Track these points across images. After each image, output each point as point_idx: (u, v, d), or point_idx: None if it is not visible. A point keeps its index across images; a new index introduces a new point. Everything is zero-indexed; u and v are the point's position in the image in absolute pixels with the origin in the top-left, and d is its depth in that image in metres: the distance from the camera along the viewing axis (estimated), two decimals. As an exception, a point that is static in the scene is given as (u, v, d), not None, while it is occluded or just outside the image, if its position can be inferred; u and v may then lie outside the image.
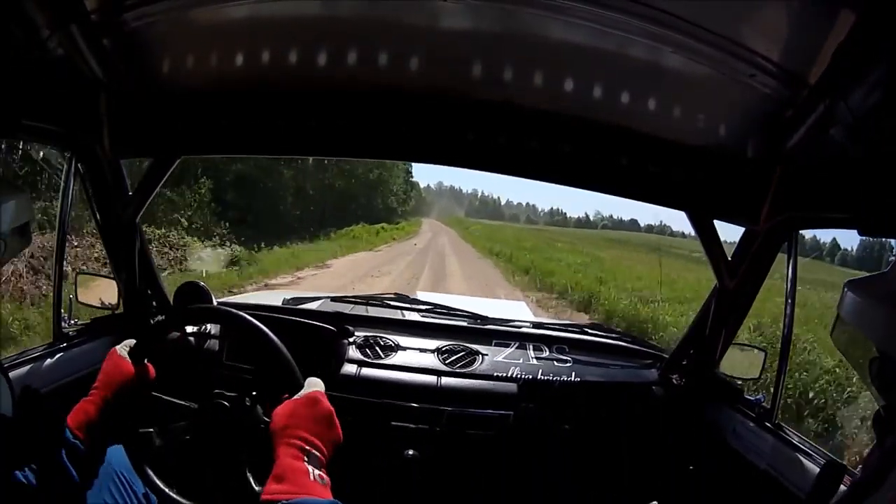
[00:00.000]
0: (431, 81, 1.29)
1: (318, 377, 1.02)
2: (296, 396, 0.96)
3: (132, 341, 1.16)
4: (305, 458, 0.85)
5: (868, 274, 0.67)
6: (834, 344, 0.73)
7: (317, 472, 0.83)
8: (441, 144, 1.37)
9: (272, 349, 1.13)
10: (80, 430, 1.01)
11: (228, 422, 1.11)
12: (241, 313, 1.19)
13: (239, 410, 1.11)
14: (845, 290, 0.69)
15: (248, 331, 1.17)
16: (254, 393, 1.12)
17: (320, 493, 0.80)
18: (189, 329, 1.62)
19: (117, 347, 1.14)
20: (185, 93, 1.38)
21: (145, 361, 1.15)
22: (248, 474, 1.06)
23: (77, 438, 0.99)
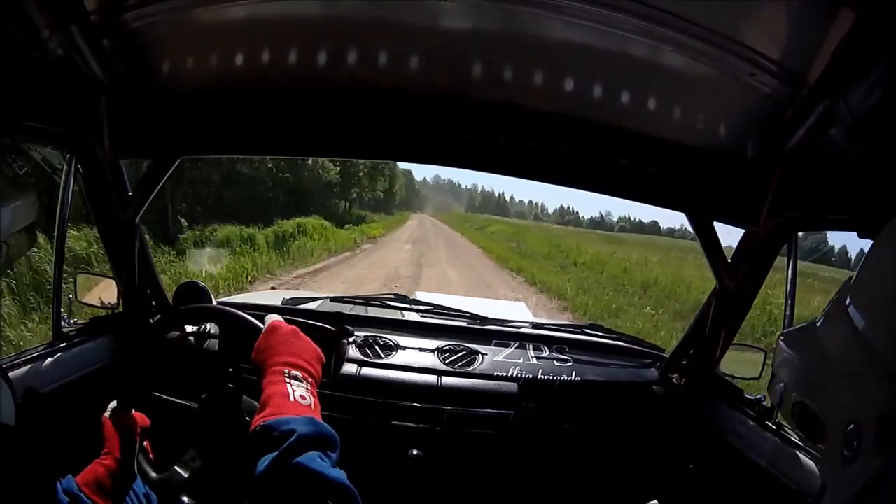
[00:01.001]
0: (431, 81, 1.29)
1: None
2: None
3: (113, 403, 1.13)
4: (287, 380, 0.85)
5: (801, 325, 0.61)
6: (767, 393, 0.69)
7: (299, 392, 0.83)
8: (441, 144, 1.37)
9: (226, 316, 1.14)
10: (88, 488, 0.99)
11: (228, 422, 1.11)
12: (235, 311, 1.18)
13: (238, 410, 1.11)
14: (779, 342, 0.65)
15: (206, 313, 1.20)
16: (255, 395, 1.12)
17: (298, 412, 0.79)
18: (189, 329, 1.62)
19: (105, 415, 1.11)
20: (185, 93, 1.38)
21: (132, 413, 1.13)
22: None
23: (83, 494, 0.98)
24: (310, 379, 0.88)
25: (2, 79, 1.04)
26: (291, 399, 0.81)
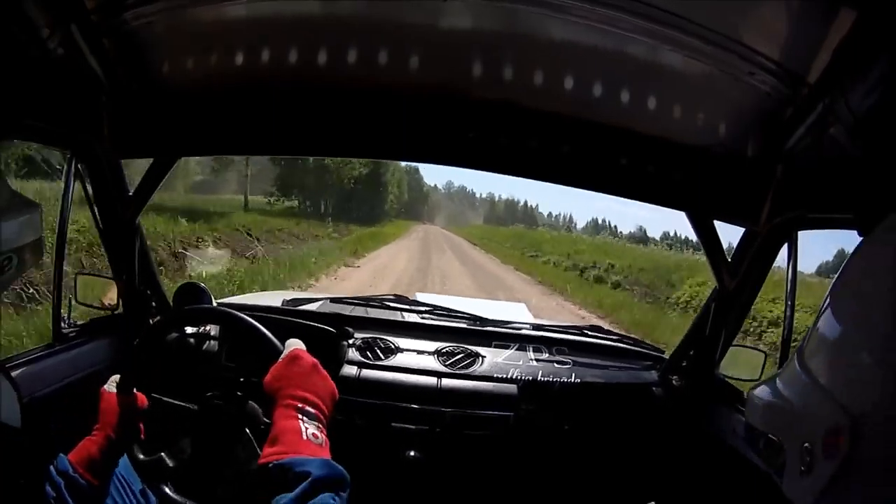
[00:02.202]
0: (431, 80, 1.29)
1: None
2: (278, 361, 0.95)
3: (117, 377, 1.14)
4: (300, 416, 0.84)
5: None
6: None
7: (311, 430, 0.82)
8: (441, 144, 1.37)
9: (246, 328, 1.10)
10: (81, 466, 1.00)
11: (228, 423, 1.11)
12: (214, 307, 1.18)
13: (239, 411, 1.11)
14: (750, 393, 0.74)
15: (220, 319, 1.16)
16: (255, 397, 1.12)
17: (312, 452, 0.79)
18: (188, 330, 1.62)
19: (105, 387, 1.12)
20: (186, 92, 1.38)
21: (134, 391, 1.13)
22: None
23: (77, 473, 0.98)
24: (322, 417, 0.87)
25: (2, 79, 1.04)
26: (304, 437, 0.81)
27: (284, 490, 0.73)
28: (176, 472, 1.10)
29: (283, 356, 0.95)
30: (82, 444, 1.04)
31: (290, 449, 0.79)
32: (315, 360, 0.95)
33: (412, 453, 1.56)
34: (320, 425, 0.85)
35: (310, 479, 0.73)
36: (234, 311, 1.14)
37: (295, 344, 0.98)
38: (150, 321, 1.69)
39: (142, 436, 1.13)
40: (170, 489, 1.11)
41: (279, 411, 0.86)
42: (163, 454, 1.10)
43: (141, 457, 1.10)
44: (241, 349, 1.55)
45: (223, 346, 1.60)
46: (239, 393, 1.11)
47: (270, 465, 0.77)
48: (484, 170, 1.37)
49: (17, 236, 0.93)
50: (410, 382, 1.62)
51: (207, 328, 1.64)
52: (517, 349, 1.76)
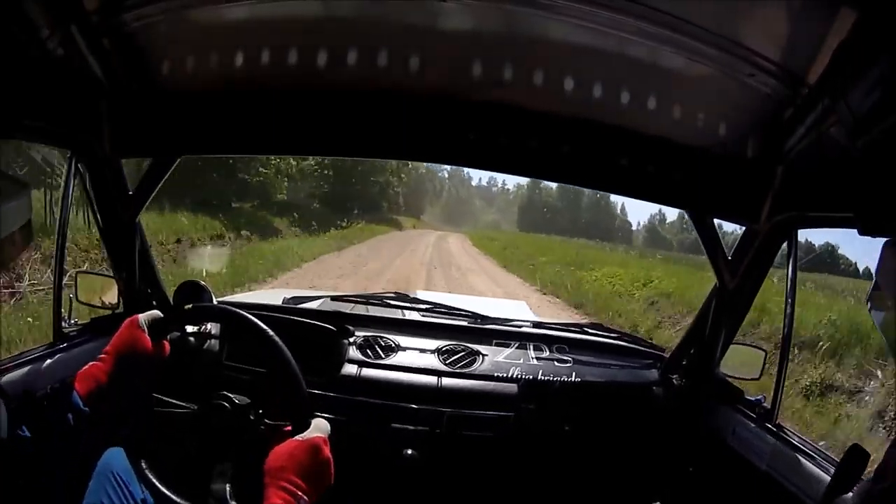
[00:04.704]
0: (432, 81, 1.29)
1: (319, 380, 1.01)
2: (298, 437, 0.95)
3: (156, 313, 1.12)
4: (296, 502, 0.86)
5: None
6: (870, 313, 0.70)
7: None
8: (442, 144, 1.37)
9: (289, 373, 1.08)
10: (88, 397, 0.99)
11: (228, 424, 1.11)
12: (252, 318, 1.14)
13: (239, 413, 1.11)
14: (883, 249, 0.66)
15: (263, 341, 1.11)
16: (255, 398, 1.12)
17: None
18: (189, 329, 1.62)
19: (139, 317, 1.09)
20: (186, 93, 1.38)
21: (164, 340, 1.12)
22: (227, 486, 1.06)
23: (86, 404, 0.98)
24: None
25: (2, 79, 1.04)
26: None
27: None
28: (233, 495, 1.09)
29: (305, 436, 0.95)
30: (89, 371, 1.03)
31: None
32: (331, 456, 0.94)
33: (413, 453, 1.56)
34: None
35: None
36: (274, 338, 1.10)
37: (321, 429, 0.97)
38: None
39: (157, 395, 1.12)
40: (168, 490, 1.11)
41: (273, 490, 0.86)
42: (226, 486, 1.09)
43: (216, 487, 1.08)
44: (243, 350, 1.54)
45: (224, 345, 1.60)
46: (251, 407, 1.10)
47: None
48: (485, 169, 1.38)
49: (6, 223, 0.91)
50: (411, 382, 1.62)
51: (208, 327, 1.64)
52: (518, 347, 1.76)
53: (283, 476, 0.88)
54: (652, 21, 0.98)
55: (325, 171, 24.05)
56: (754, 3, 0.95)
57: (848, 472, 0.96)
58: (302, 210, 19.38)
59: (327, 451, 0.94)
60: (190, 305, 1.43)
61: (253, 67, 1.28)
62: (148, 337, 1.10)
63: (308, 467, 0.90)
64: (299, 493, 0.86)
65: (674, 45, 1.04)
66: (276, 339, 1.11)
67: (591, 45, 1.12)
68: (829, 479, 1.08)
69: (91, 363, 1.04)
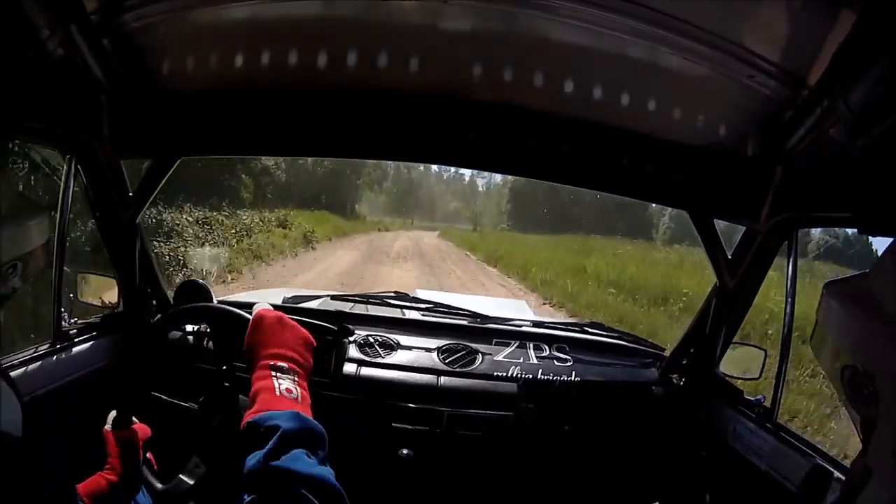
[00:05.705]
0: (432, 81, 1.29)
1: (319, 379, 1.00)
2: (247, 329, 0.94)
3: (112, 413, 1.12)
4: (272, 374, 0.83)
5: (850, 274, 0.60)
6: (812, 351, 0.67)
7: (284, 385, 0.81)
8: (442, 144, 1.37)
9: (215, 314, 1.11)
10: (89, 499, 0.99)
11: (227, 424, 1.11)
12: (248, 315, 1.15)
13: (238, 413, 1.11)
14: (823, 292, 0.62)
15: (195, 312, 1.16)
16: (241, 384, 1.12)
17: (285, 407, 0.77)
18: (188, 328, 1.61)
19: (106, 427, 1.10)
20: (185, 93, 1.38)
21: (132, 424, 1.12)
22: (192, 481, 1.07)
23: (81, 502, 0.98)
24: (297, 369, 0.86)
25: (2, 79, 1.04)
26: (277, 393, 0.79)
27: (257, 448, 0.71)
28: (198, 489, 1.10)
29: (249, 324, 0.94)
30: (94, 479, 1.04)
31: (262, 407, 0.77)
32: (279, 313, 0.93)
33: (403, 451, 1.56)
34: (296, 377, 0.84)
35: (279, 433, 0.71)
36: (199, 304, 1.14)
37: (258, 307, 0.96)
38: (151, 320, 1.69)
39: (154, 467, 1.13)
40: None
41: (255, 374, 0.84)
42: (180, 476, 1.10)
43: (159, 486, 1.10)
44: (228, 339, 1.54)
45: (218, 343, 1.60)
46: (227, 384, 1.10)
47: (244, 425, 0.75)
48: (485, 170, 1.38)
49: (22, 243, 0.90)
50: (411, 381, 1.62)
51: (204, 326, 1.64)
52: (517, 346, 1.76)
53: (253, 359, 0.86)
54: (652, 22, 0.99)
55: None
56: (754, 5, 0.95)
57: (812, 489, 0.95)
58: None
59: (271, 313, 0.93)
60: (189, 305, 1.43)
61: (253, 68, 1.28)
62: (116, 434, 1.08)
63: (263, 336, 0.89)
64: (271, 362, 0.84)
65: (674, 46, 1.04)
66: (201, 304, 1.15)
67: (592, 46, 1.12)
68: (828, 478, 1.09)
69: (99, 472, 1.03)
